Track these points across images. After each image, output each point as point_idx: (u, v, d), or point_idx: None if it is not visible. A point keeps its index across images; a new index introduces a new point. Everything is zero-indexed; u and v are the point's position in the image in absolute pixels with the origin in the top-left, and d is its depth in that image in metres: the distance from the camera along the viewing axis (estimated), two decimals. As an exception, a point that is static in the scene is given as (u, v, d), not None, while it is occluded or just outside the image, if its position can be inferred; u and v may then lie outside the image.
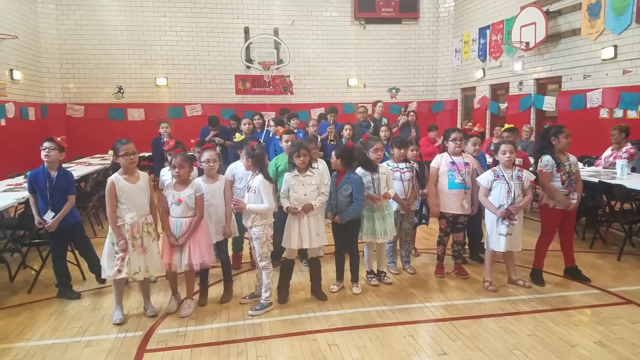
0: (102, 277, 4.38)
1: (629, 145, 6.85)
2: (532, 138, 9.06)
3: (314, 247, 4.65)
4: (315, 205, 4.48)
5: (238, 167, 5.23)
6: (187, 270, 4.36)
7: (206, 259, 4.36)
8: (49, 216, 4.69)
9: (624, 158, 6.58)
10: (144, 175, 4.31)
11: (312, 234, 4.53)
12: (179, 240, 4.24)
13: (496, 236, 4.79)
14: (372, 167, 4.87)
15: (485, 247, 4.99)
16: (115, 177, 4.15)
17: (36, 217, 4.73)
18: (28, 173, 6.84)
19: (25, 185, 6.20)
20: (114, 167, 4.23)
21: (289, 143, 5.20)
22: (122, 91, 13.19)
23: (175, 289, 4.52)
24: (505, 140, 5.02)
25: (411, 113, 10.02)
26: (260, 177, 4.35)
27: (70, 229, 4.85)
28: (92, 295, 4.91)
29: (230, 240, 5.06)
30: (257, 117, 8.19)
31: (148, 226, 4.22)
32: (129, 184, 4.14)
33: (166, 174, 4.93)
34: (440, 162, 5.18)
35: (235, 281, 5.21)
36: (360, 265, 5.00)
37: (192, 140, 5.73)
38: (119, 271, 4.09)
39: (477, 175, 5.11)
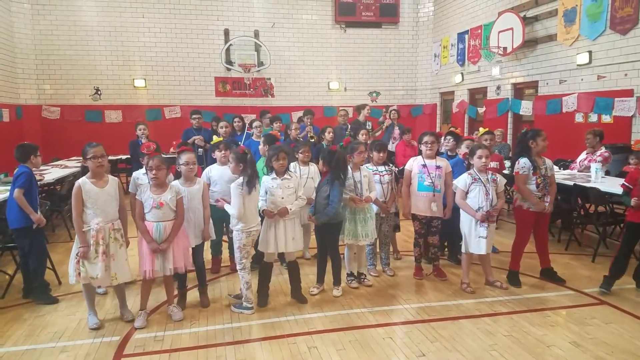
0: (70, 282, 4.21)
1: (603, 149, 7.00)
2: (509, 142, 9.20)
3: (289, 251, 4.64)
4: (290, 209, 4.47)
5: (213, 170, 5.20)
6: (169, 275, 4.29)
7: (188, 261, 4.35)
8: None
9: (599, 162, 6.72)
10: (113, 180, 4.20)
11: (287, 238, 4.52)
12: (162, 245, 4.14)
13: (476, 239, 4.83)
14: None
15: (462, 250, 5.04)
16: (82, 181, 4.05)
17: (36, 215, 4.64)
18: (1, 175, 6.75)
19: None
20: (84, 170, 4.14)
21: (267, 147, 5.24)
22: (99, 93, 13.00)
23: (145, 304, 4.34)
24: (481, 145, 5.08)
25: (393, 112, 10.08)
26: (238, 181, 4.32)
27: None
28: (67, 300, 4.82)
29: (208, 244, 5.03)
30: (236, 119, 8.16)
31: (115, 232, 4.12)
32: (96, 188, 4.04)
33: (141, 177, 4.84)
34: (413, 164, 5.24)
35: (215, 285, 5.18)
36: (341, 268, 5.00)
37: (174, 142, 5.65)
38: (79, 274, 4.00)
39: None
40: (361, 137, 6.76)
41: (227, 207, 4.38)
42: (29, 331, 4.15)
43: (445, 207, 5.20)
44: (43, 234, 4.89)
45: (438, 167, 5.15)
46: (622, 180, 4.98)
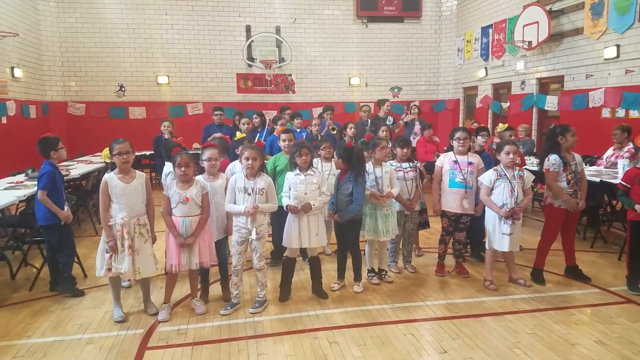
0: (97, 275, 4.30)
1: (631, 145, 6.84)
2: (533, 137, 9.06)
3: (313, 246, 4.66)
4: (314, 205, 4.48)
5: (237, 166, 5.22)
6: (194, 269, 4.34)
7: (213, 256, 4.39)
8: (65, 209, 4.80)
9: (626, 158, 6.58)
10: (140, 176, 4.25)
11: (311, 233, 4.54)
12: (188, 240, 4.19)
13: (499, 235, 4.78)
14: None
15: (486, 247, 4.98)
16: (109, 176, 4.12)
17: (63, 212, 4.71)
18: (29, 170, 6.90)
19: (27, 183, 6.27)
20: (112, 166, 4.23)
21: (286, 142, 5.27)
22: (123, 89, 13.18)
23: (169, 298, 4.42)
24: (509, 141, 5.00)
25: (414, 107, 10.05)
26: (266, 178, 4.37)
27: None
28: (93, 293, 4.92)
29: (231, 238, 5.06)
30: (255, 116, 8.24)
31: (141, 227, 4.18)
32: (122, 183, 4.10)
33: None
34: (444, 160, 5.19)
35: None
36: (361, 264, 5.00)
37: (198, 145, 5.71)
38: (109, 269, 4.08)
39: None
40: (382, 133, 6.73)
41: (265, 207, 4.34)
42: (56, 323, 4.25)
43: (476, 204, 5.15)
44: (70, 228, 4.98)
45: (470, 164, 5.09)
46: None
